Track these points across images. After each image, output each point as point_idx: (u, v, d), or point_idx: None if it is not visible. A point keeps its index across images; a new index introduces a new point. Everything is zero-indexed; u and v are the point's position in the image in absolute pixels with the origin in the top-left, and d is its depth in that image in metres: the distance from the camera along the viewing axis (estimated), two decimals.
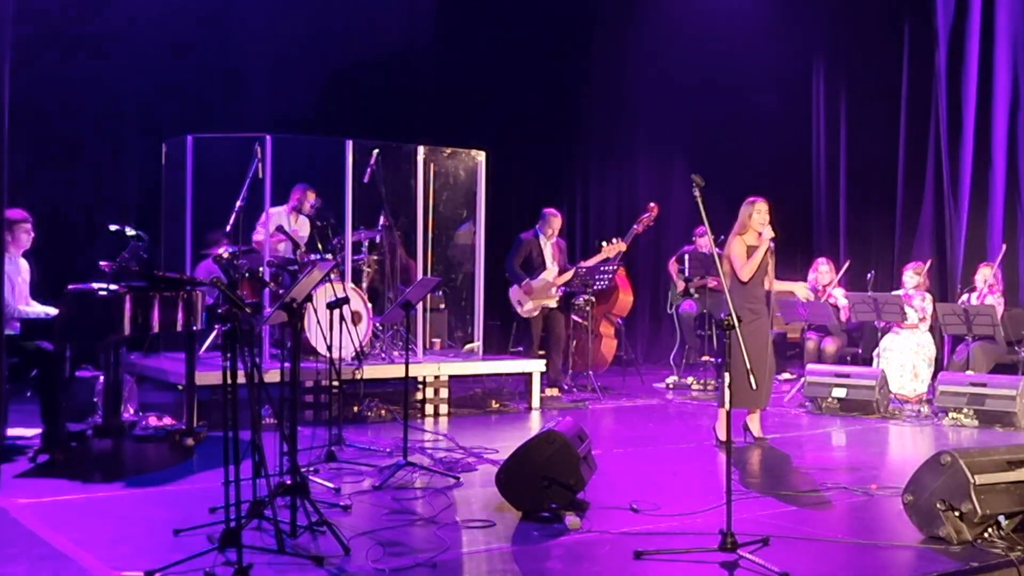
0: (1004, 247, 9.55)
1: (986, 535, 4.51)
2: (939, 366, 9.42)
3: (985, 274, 9.22)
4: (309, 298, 5.16)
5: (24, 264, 6.54)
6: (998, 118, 10.31)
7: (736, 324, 4.54)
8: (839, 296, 9.79)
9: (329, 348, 6.10)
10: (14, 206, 6.31)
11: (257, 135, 8.00)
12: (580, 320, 9.79)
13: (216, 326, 7.77)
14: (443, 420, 8.10)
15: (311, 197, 8.57)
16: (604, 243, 9.55)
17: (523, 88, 12.05)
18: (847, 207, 11.87)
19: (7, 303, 6.18)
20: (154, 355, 8.01)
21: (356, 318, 7.93)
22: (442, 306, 9.70)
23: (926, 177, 11.10)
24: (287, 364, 5.20)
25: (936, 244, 10.88)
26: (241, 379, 4.10)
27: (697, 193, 4.99)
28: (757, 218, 6.85)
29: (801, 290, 7.67)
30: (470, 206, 9.32)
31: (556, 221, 9.45)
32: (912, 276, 9.44)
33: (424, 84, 11.54)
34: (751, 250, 6.82)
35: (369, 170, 8.47)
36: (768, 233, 6.81)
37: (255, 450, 4.12)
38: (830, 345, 9.61)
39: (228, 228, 8.11)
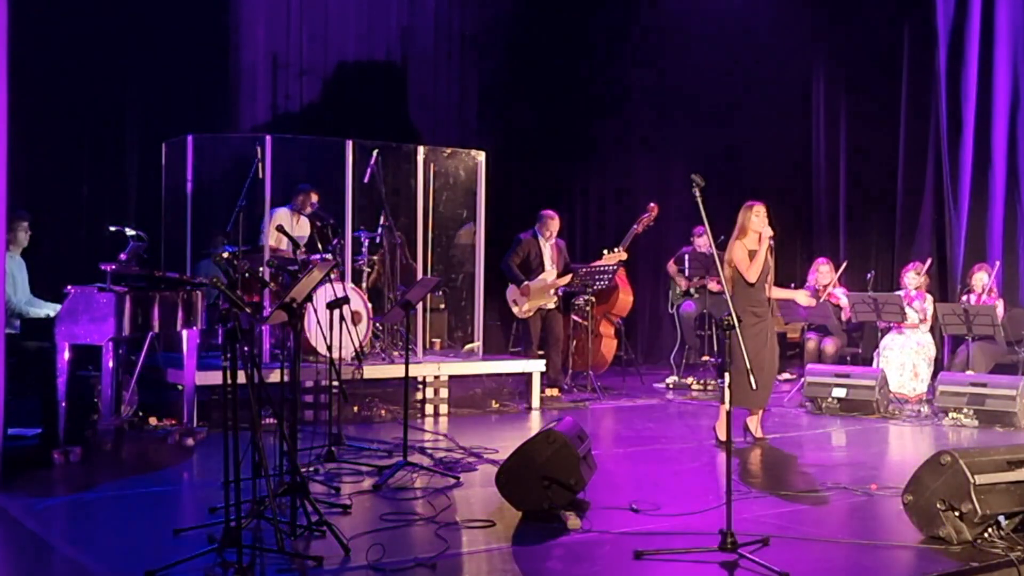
0: (998, 264, 9.55)
1: (986, 535, 4.51)
2: (939, 366, 9.42)
3: (982, 279, 9.22)
4: (309, 298, 5.15)
5: (22, 262, 6.57)
6: (998, 118, 10.31)
7: (736, 324, 4.55)
8: (840, 296, 9.79)
9: (329, 348, 6.10)
10: (13, 206, 6.31)
11: (257, 135, 8.00)
12: (580, 320, 9.79)
13: (216, 326, 7.77)
14: (443, 420, 8.10)
15: (313, 198, 8.57)
16: (605, 251, 9.56)
17: (523, 88, 12.05)
18: (847, 207, 11.86)
19: (12, 301, 6.19)
20: (154, 355, 8.01)
21: (356, 318, 7.93)
22: (442, 306, 9.70)
23: (926, 177, 11.09)
24: (287, 364, 5.20)
25: (936, 244, 10.88)
26: (241, 379, 4.10)
27: (697, 193, 4.99)
28: (756, 221, 6.89)
29: (802, 298, 7.67)
30: (470, 206, 9.31)
31: (554, 223, 9.44)
32: (914, 277, 9.43)
33: (424, 84, 11.54)
34: (752, 253, 6.85)
35: (369, 170, 8.47)
36: (767, 232, 6.85)
37: (255, 450, 4.13)
38: (830, 345, 9.61)
39: (228, 228, 8.11)
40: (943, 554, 4.40)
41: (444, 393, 8.32)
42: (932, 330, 9.45)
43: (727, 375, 4.64)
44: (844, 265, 10.21)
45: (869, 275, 10.12)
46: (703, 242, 10.19)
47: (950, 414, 8.11)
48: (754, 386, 5.01)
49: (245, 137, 8.10)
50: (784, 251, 7.12)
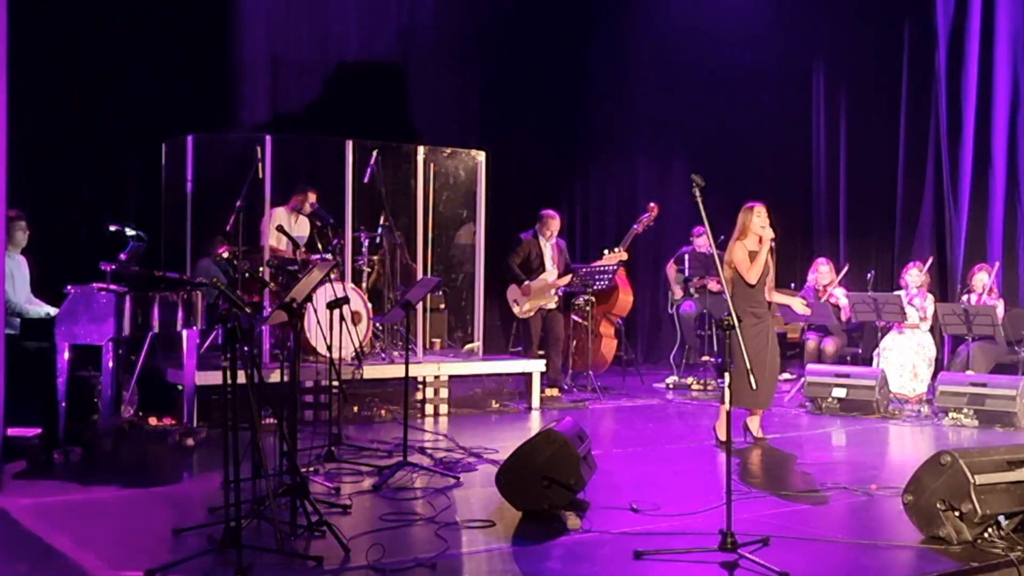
0: (998, 265, 9.55)
1: (986, 535, 4.51)
2: (939, 366, 9.42)
3: (982, 279, 9.22)
4: (309, 298, 5.16)
5: (23, 261, 6.57)
6: (998, 118, 10.31)
7: (736, 324, 4.55)
8: (840, 296, 9.79)
9: (329, 348, 6.10)
10: (15, 206, 6.32)
11: (257, 135, 8.00)
12: (580, 320, 9.79)
13: (216, 326, 7.78)
14: (443, 420, 8.10)
15: (312, 198, 8.58)
16: (606, 251, 9.56)
17: (523, 88, 12.05)
18: (847, 207, 11.86)
19: (11, 300, 6.20)
20: (154, 355, 8.01)
21: (356, 318, 7.93)
22: (442, 306, 9.70)
23: (926, 177, 11.09)
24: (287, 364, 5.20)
25: (936, 244, 10.87)
26: (241, 379, 4.10)
27: (697, 193, 4.99)
28: (757, 222, 6.87)
29: (799, 306, 7.65)
30: (470, 206, 9.32)
31: (554, 222, 9.44)
32: (916, 275, 9.43)
33: (424, 84, 11.54)
34: (753, 255, 6.84)
35: (369, 170, 8.47)
36: (768, 234, 6.84)
37: (255, 450, 4.13)
38: (830, 345, 9.60)
39: (228, 228, 8.12)
40: (943, 554, 4.41)
41: (444, 393, 8.32)
42: (932, 330, 9.45)
43: (727, 375, 4.64)
44: (846, 269, 10.21)
45: (869, 275, 10.11)
46: (703, 242, 10.18)
47: (950, 414, 8.11)
48: (754, 386, 5.01)
49: (245, 137, 8.10)
50: (784, 251, 7.12)
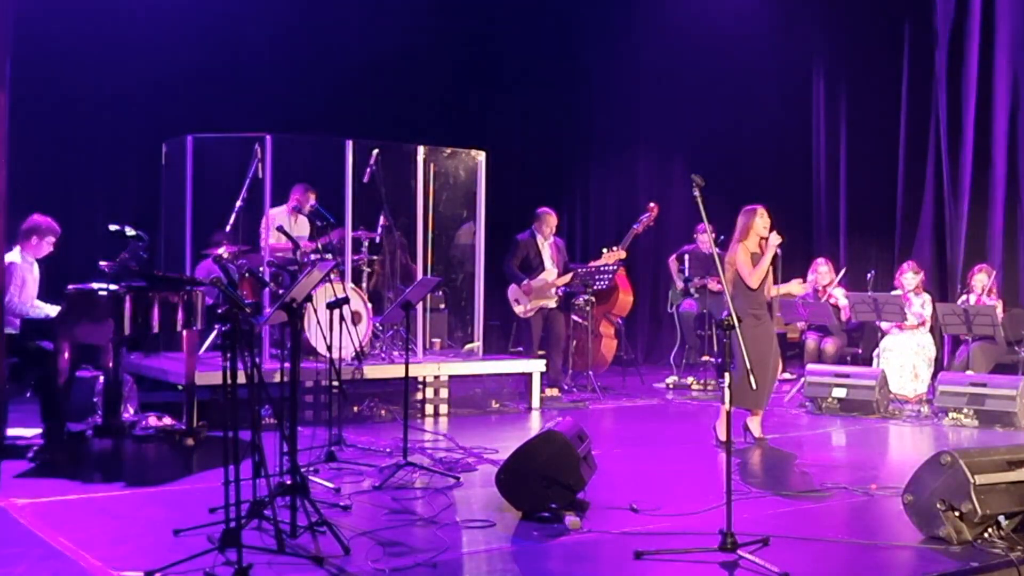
0: (996, 263, 9.55)
1: (986, 535, 4.51)
2: (939, 366, 9.41)
3: (982, 280, 9.21)
4: (309, 298, 5.16)
5: (36, 266, 6.58)
6: (998, 118, 10.30)
7: (736, 325, 4.55)
8: (839, 296, 9.79)
9: (329, 348, 6.10)
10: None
11: (257, 135, 8.00)
12: (580, 320, 9.79)
13: (216, 326, 7.78)
14: (443, 420, 8.10)
15: (311, 197, 8.58)
16: (605, 249, 9.56)
17: (523, 88, 12.05)
18: (847, 207, 11.85)
19: (13, 302, 6.20)
20: (154, 355, 8.01)
21: (356, 318, 7.93)
22: (442, 306, 9.70)
23: (926, 177, 11.07)
24: (287, 364, 5.19)
25: (936, 244, 10.87)
26: (241, 379, 4.10)
27: (697, 193, 4.99)
28: (760, 223, 6.86)
29: (796, 287, 7.60)
30: (470, 206, 9.31)
31: (552, 219, 9.43)
32: (911, 278, 9.42)
33: (424, 84, 11.55)
34: (755, 257, 6.82)
35: (369, 170, 8.47)
36: (775, 239, 6.81)
37: (255, 450, 4.13)
38: (830, 345, 9.60)
39: (228, 228, 8.12)
40: (943, 554, 4.41)
41: (444, 393, 8.32)
42: (932, 330, 9.44)
43: (727, 375, 4.64)
44: (844, 271, 10.20)
45: (869, 275, 10.12)
46: (705, 239, 10.17)
47: (950, 414, 8.11)
48: (754, 386, 5.01)
49: (245, 137, 8.10)
50: (784, 251, 7.10)
